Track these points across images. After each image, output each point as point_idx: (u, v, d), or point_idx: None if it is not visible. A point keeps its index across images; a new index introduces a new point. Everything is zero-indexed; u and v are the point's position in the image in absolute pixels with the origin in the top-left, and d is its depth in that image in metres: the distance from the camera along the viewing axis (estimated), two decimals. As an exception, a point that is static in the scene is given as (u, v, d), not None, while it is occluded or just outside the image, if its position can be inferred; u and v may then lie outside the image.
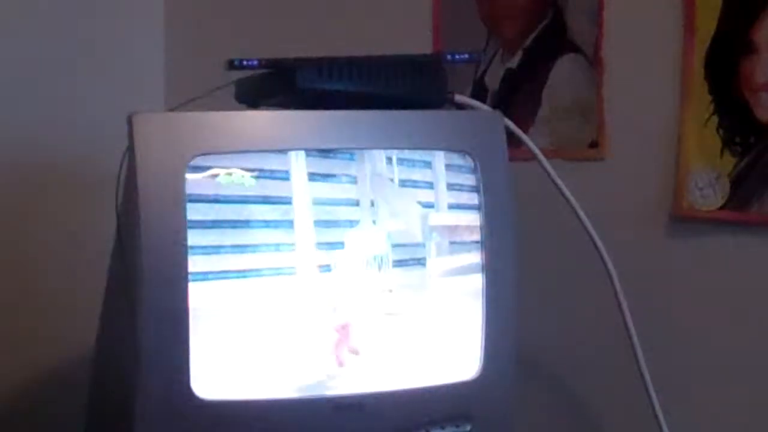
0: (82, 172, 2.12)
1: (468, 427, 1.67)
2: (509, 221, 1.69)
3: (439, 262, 1.69)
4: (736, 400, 1.85)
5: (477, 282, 1.68)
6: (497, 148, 1.70)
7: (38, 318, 2.10)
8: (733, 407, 1.85)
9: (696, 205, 1.86)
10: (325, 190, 1.63)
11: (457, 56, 1.81)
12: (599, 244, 1.80)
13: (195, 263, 1.54)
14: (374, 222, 1.66)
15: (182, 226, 1.54)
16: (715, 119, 1.84)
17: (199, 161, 1.56)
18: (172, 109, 1.66)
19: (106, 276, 1.68)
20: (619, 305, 1.81)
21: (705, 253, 1.87)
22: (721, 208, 1.84)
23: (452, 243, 1.70)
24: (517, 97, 2.02)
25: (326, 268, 1.63)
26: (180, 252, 1.53)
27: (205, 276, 1.56)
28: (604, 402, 1.96)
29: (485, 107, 1.84)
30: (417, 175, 1.69)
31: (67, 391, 1.90)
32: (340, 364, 1.63)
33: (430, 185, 1.69)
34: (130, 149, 1.54)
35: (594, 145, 1.95)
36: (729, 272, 1.85)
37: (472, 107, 1.80)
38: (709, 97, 1.84)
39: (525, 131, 1.84)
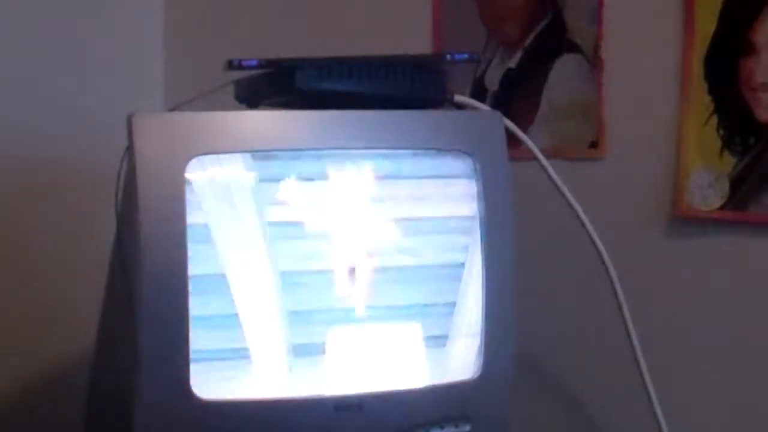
0: (82, 172, 2.12)
1: (468, 427, 1.67)
2: (509, 221, 1.69)
3: (438, 263, 1.69)
4: (735, 400, 1.85)
5: (477, 282, 1.68)
6: (497, 148, 1.70)
7: (38, 318, 2.10)
8: (733, 407, 1.85)
9: (696, 205, 1.86)
10: (325, 190, 1.64)
11: (457, 56, 1.81)
12: (599, 243, 1.80)
13: (195, 263, 1.55)
14: (372, 221, 1.66)
15: (182, 226, 1.54)
16: (715, 119, 1.84)
17: (199, 161, 1.56)
18: (172, 109, 1.66)
19: (106, 276, 1.68)
20: (619, 305, 1.81)
21: (705, 253, 1.87)
22: (721, 208, 1.84)
23: (451, 243, 1.70)
24: (517, 97, 2.02)
25: (328, 267, 1.63)
26: (180, 252, 1.53)
27: (205, 276, 1.56)
28: (604, 402, 1.96)
29: (485, 107, 1.84)
30: (416, 174, 1.69)
31: (67, 391, 1.90)
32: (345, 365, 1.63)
33: (430, 185, 1.69)
34: (130, 149, 1.54)
35: (594, 145, 1.95)
36: (729, 272, 1.85)
37: (472, 107, 1.80)
38: (709, 97, 1.84)
39: (525, 131, 1.84)
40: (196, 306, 1.54)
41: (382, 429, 1.64)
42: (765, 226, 1.80)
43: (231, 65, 1.64)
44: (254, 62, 1.65)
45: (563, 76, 1.97)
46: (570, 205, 1.80)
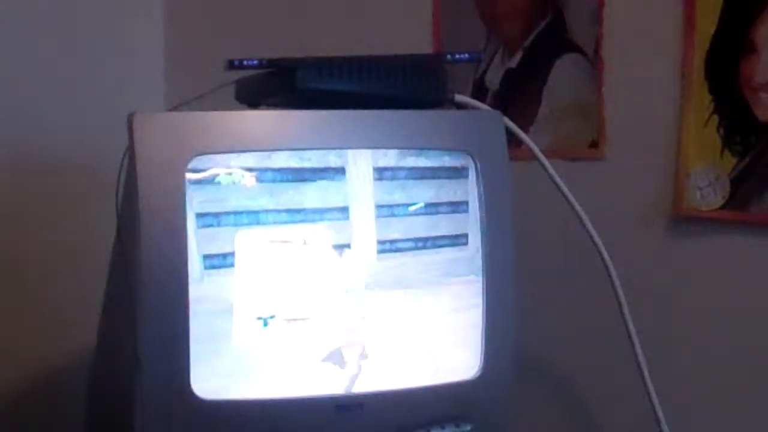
0: (82, 172, 2.12)
1: (468, 427, 1.67)
2: (509, 221, 1.69)
3: (438, 263, 1.69)
4: (736, 400, 1.85)
5: (477, 282, 1.68)
6: (497, 148, 1.70)
7: (38, 318, 2.10)
8: (733, 407, 1.85)
9: (696, 205, 1.86)
10: (326, 189, 1.63)
11: (457, 56, 1.81)
12: (599, 244, 1.80)
13: (195, 263, 1.55)
14: (369, 221, 1.66)
15: (182, 226, 1.54)
16: (715, 119, 1.84)
17: (199, 161, 1.56)
18: (172, 109, 1.66)
19: (106, 276, 1.68)
20: (619, 305, 1.81)
21: (705, 253, 1.87)
22: (721, 208, 1.84)
23: (452, 243, 1.69)
24: (517, 97, 2.02)
25: (327, 267, 1.63)
26: (180, 251, 1.53)
27: (204, 275, 1.56)
28: (604, 402, 1.96)
29: (485, 107, 1.84)
30: (416, 174, 1.69)
31: (68, 390, 1.90)
32: (346, 365, 1.63)
33: (429, 185, 1.69)
34: (130, 149, 1.54)
35: (594, 145, 1.95)
36: (729, 272, 1.85)
37: (472, 107, 1.80)
38: (709, 97, 1.84)
39: (525, 131, 1.84)
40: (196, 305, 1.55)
41: (384, 428, 1.64)
42: (765, 226, 1.80)
43: (231, 65, 1.64)
44: (254, 62, 1.65)
45: (563, 76, 1.97)
46: (570, 205, 1.80)
